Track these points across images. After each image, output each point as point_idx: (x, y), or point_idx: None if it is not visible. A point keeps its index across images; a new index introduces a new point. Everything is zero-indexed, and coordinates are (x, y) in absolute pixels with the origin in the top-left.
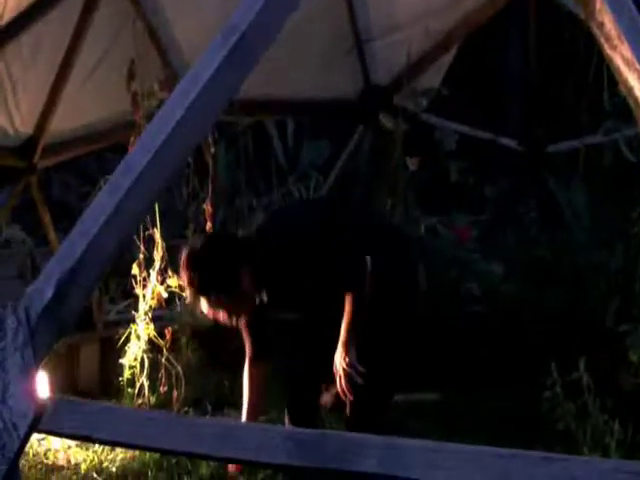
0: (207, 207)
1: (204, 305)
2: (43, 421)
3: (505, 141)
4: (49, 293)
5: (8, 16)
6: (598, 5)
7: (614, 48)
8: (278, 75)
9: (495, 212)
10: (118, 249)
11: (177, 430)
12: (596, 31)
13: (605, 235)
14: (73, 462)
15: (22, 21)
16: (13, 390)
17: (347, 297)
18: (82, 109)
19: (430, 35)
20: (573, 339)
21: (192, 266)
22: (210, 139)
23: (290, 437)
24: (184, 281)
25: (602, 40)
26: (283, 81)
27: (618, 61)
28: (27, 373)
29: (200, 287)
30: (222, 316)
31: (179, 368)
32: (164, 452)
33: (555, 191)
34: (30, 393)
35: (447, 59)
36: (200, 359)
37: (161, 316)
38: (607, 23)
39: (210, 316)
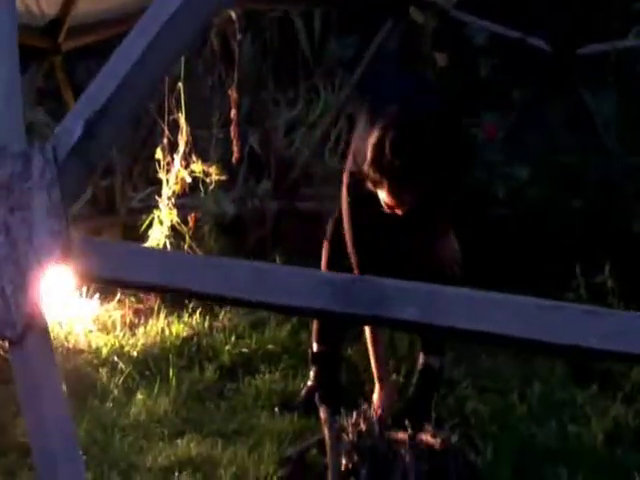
0: (232, 95)
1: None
2: (69, 262)
3: (534, 41)
4: (78, 132)
5: None
6: None
7: None
8: None
9: (523, 114)
10: (149, 90)
11: (207, 272)
12: None
13: (634, 141)
14: (94, 346)
15: None
16: (39, 230)
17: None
18: None
19: None
20: (599, 243)
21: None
22: (237, 26)
23: (327, 281)
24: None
25: None
26: None
27: None
28: (54, 212)
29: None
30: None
31: None
32: (194, 295)
33: (584, 95)
34: (57, 233)
35: None
36: (222, 248)
37: (184, 204)
38: None
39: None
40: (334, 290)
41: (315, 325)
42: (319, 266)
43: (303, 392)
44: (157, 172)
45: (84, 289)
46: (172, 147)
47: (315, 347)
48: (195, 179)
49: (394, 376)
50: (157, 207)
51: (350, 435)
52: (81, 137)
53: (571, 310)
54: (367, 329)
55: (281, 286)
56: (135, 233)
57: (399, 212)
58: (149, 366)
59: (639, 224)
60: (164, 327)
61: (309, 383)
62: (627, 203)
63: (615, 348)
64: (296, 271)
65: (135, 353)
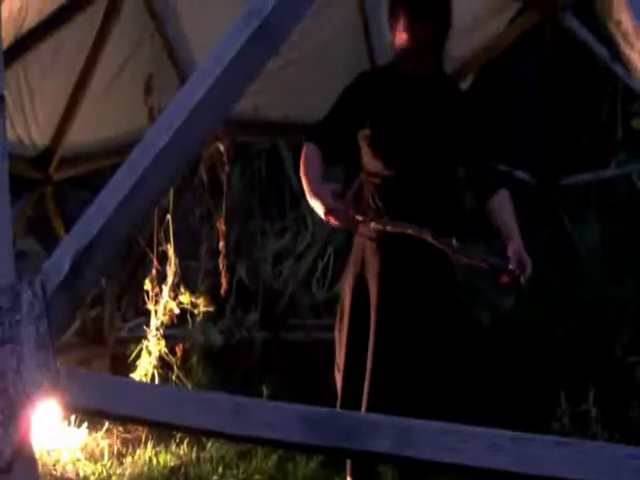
0: (221, 227)
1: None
2: (57, 394)
3: (519, 174)
4: (66, 268)
5: (29, 23)
6: (615, 2)
7: (631, 46)
8: (295, 97)
9: None
10: (135, 227)
11: (188, 406)
12: (613, 29)
13: (617, 268)
14: (82, 475)
15: (42, 29)
16: (28, 362)
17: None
18: (99, 123)
19: (446, 61)
20: (583, 370)
21: None
22: (225, 158)
23: (304, 415)
24: None
25: (619, 38)
26: (300, 103)
27: (635, 58)
28: (42, 345)
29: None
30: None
31: (189, 387)
32: (176, 428)
33: (567, 224)
34: (44, 365)
35: (463, 87)
36: (210, 379)
37: (173, 335)
38: (624, 21)
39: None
40: (310, 424)
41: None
42: (307, 396)
43: None
44: (146, 303)
45: (72, 417)
46: (161, 278)
47: None
48: (183, 310)
49: None
50: (145, 337)
51: None
52: (69, 272)
53: (543, 442)
54: None
55: (259, 420)
56: (123, 363)
57: (414, 61)
58: None
59: (622, 351)
60: (152, 457)
61: None
62: (610, 330)
63: (586, 477)
64: (274, 405)
65: None
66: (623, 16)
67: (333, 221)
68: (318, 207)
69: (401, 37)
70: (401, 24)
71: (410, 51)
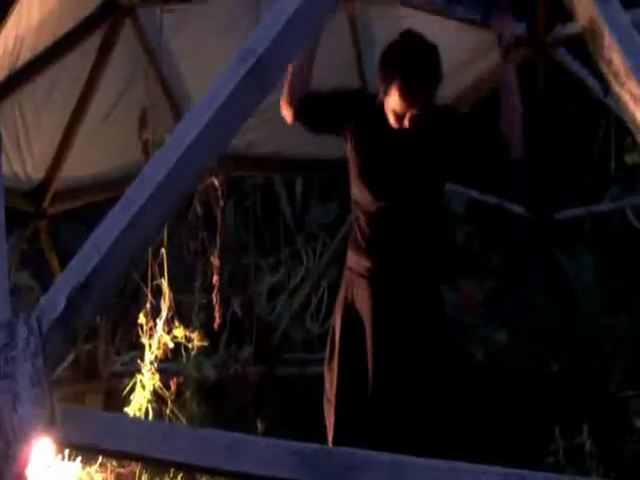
0: (215, 261)
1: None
2: (52, 430)
3: (514, 207)
4: (61, 305)
5: (24, 57)
6: (606, 42)
7: (622, 85)
8: (288, 132)
9: (500, 279)
10: (131, 264)
11: (183, 442)
12: (604, 68)
13: (611, 302)
14: None
15: (37, 64)
16: (23, 399)
17: None
18: (93, 156)
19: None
20: (577, 404)
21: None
22: (219, 193)
23: (297, 451)
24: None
25: (610, 77)
26: (293, 139)
27: (626, 98)
28: (38, 381)
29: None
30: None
31: (183, 421)
32: (170, 464)
33: (561, 258)
34: (40, 402)
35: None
36: (204, 413)
37: (166, 369)
38: (615, 60)
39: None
40: (304, 460)
41: None
42: (301, 431)
43: None
44: (140, 336)
45: (66, 451)
46: (155, 312)
47: None
48: (177, 344)
49: None
50: (139, 371)
51: None
52: (64, 310)
53: (534, 478)
54: None
55: (254, 456)
56: (117, 397)
57: (406, 124)
58: None
59: (617, 385)
60: None
61: None
62: (604, 364)
63: None
64: (268, 442)
65: None
66: (614, 56)
67: None
68: None
69: (394, 100)
70: (394, 89)
71: (401, 118)
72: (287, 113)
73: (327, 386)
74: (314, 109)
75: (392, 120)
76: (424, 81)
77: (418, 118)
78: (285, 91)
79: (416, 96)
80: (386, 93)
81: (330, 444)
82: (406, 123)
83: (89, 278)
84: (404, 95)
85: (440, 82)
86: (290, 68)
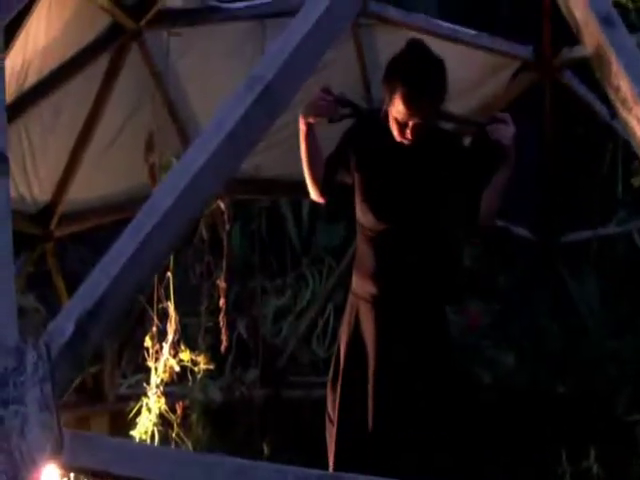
0: (221, 284)
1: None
2: (59, 455)
3: (520, 230)
4: (69, 331)
5: (31, 81)
6: (614, 68)
7: (629, 110)
8: (295, 155)
9: (507, 301)
10: (139, 289)
11: (190, 467)
12: (612, 95)
13: (617, 325)
14: None
15: (44, 87)
16: (32, 424)
17: None
18: (99, 179)
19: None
20: (584, 428)
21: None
22: (225, 216)
23: (303, 477)
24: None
25: (618, 103)
26: (299, 161)
27: (633, 123)
28: (46, 407)
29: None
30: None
31: (189, 444)
32: None
33: (567, 281)
34: (48, 427)
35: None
36: (210, 437)
37: (173, 392)
38: (623, 86)
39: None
40: None
41: None
42: (306, 454)
43: None
44: (146, 360)
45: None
46: (161, 335)
47: None
48: (183, 367)
49: None
50: (145, 395)
51: None
52: (72, 336)
53: None
54: None
55: None
56: (123, 420)
57: (408, 134)
58: None
59: (623, 408)
60: None
61: None
62: (611, 387)
63: None
64: (275, 468)
65: None
66: (622, 82)
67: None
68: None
69: (397, 109)
70: (398, 96)
71: (404, 129)
72: (319, 199)
73: (329, 406)
74: (333, 182)
75: (395, 131)
76: (427, 90)
77: (420, 130)
78: (311, 184)
79: (419, 105)
80: (390, 102)
81: (331, 465)
82: (408, 134)
83: (97, 304)
84: (407, 103)
85: (444, 95)
86: (305, 163)
